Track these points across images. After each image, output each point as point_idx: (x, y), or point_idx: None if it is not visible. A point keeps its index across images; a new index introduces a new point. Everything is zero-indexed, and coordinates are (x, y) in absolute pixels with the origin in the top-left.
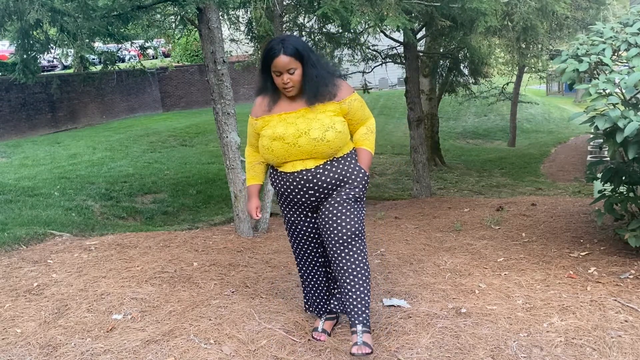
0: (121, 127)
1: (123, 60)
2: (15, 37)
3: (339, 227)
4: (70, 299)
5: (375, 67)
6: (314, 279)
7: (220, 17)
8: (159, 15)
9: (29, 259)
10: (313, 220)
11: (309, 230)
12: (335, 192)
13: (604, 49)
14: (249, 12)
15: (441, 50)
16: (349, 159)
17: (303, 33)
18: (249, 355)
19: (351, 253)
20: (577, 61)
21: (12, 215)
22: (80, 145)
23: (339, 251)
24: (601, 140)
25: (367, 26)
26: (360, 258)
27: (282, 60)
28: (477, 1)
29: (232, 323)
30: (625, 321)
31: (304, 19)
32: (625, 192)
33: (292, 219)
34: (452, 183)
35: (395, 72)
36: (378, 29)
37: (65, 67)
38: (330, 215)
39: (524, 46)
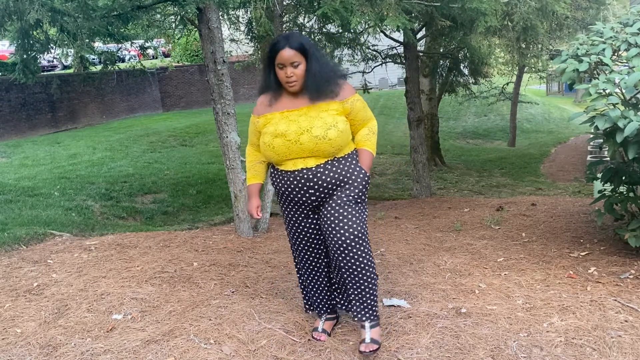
0: (121, 127)
1: (123, 60)
2: (15, 37)
3: (342, 231)
4: (70, 299)
5: (375, 67)
6: (315, 278)
7: (220, 17)
8: (159, 15)
9: (29, 259)
10: (314, 220)
11: (310, 229)
12: (336, 193)
13: (604, 49)
14: (249, 12)
15: (441, 50)
16: (349, 159)
17: (303, 33)
18: (249, 355)
19: (355, 257)
20: (577, 61)
21: (12, 215)
22: (80, 145)
23: (343, 254)
24: (601, 140)
25: (367, 26)
26: (364, 260)
27: (287, 52)
28: (477, 1)
29: (232, 323)
30: (625, 321)
31: (304, 19)
32: (625, 192)
33: (293, 218)
34: (452, 183)
35: (395, 72)
36: (378, 29)
37: (65, 67)
38: (332, 219)
39: (524, 46)
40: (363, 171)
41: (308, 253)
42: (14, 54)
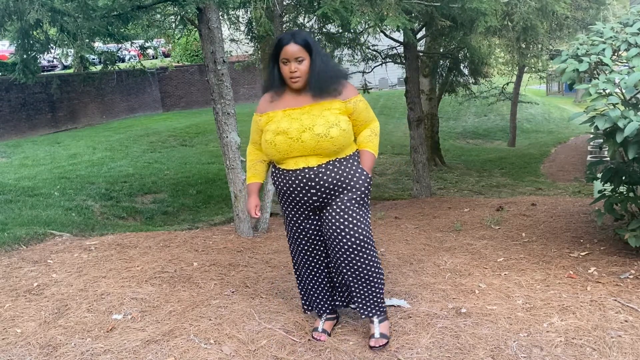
0: (121, 127)
1: (123, 60)
2: (15, 37)
3: (347, 236)
4: (70, 299)
5: (375, 67)
6: (314, 278)
7: (220, 17)
8: (159, 15)
9: (29, 259)
10: (314, 220)
11: (310, 229)
12: (338, 195)
13: (604, 49)
14: (249, 12)
15: (441, 50)
16: (351, 160)
17: None
18: (249, 355)
19: (362, 260)
20: (577, 61)
21: (12, 215)
22: (80, 145)
23: (349, 259)
24: (601, 140)
25: (367, 26)
26: (370, 262)
27: (292, 48)
28: (477, 1)
29: (232, 323)
30: (625, 321)
31: (304, 19)
32: (625, 192)
33: (294, 218)
34: (452, 183)
35: (395, 72)
36: (378, 29)
37: (65, 67)
38: (336, 223)
39: (524, 46)
40: (365, 173)
41: (308, 253)
42: (14, 54)
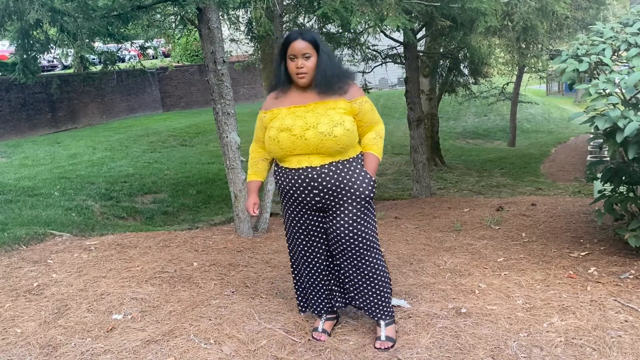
0: (121, 127)
1: (123, 60)
2: (15, 37)
3: (354, 243)
4: (70, 299)
5: (375, 67)
6: (313, 278)
7: (220, 17)
8: (159, 15)
9: (29, 259)
10: (315, 220)
11: (311, 229)
12: (341, 199)
13: (604, 49)
14: (249, 12)
15: (441, 50)
16: (354, 163)
17: None
18: (249, 355)
19: (367, 263)
20: (577, 61)
21: (12, 215)
22: (80, 145)
23: (355, 264)
24: (601, 140)
25: (367, 26)
26: (376, 265)
27: (300, 44)
28: (477, 1)
29: (232, 323)
30: (625, 321)
31: (304, 19)
32: (625, 192)
33: (296, 218)
34: (452, 183)
35: (395, 72)
36: (378, 29)
37: (65, 67)
38: (342, 229)
39: (524, 46)
40: (369, 176)
41: (308, 253)
42: (14, 54)
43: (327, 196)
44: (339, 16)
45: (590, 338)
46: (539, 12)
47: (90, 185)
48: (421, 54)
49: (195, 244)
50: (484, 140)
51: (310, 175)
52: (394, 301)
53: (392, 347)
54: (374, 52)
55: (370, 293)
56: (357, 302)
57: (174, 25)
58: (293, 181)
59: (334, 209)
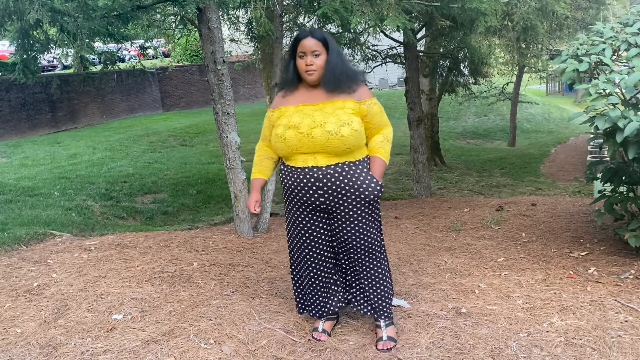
0: (121, 127)
1: (123, 60)
2: (15, 37)
3: (359, 247)
4: (70, 299)
5: (375, 67)
6: (312, 279)
7: (220, 17)
8: (159, 15)
9: (29, 259)
10: (317, 221)
11: (313, 230)
12: (346, 201)
13: (604, 49)
14: (249, 12)
15: (441, 50)
16: (360, 166)
17: None
18: (249, 355)
19: (371, 266)
20: (577, 61)
21: (12, 215)
22: (80, 145)
23: (359, 266)
24: (601, 140)
25: (367, 26)
26: (380, 268)
27: (309, 41)
28: (477, 1)
29: (232, 323)
30: (625, 321)
31: (304, 19)
32: (625, 192)
33: (299, 218)
34: (452, 183)
35: (395, 72)
36: (378, 29)
37: (65, 67)
38: (348, 234)
39: (524, 46)
40: (375, 180)
41: (308, 255)
42: (14, 54)
43: (331, 197)
44: (339, 16)
45: (590, 338)
46: (539, 12)
47: (90, 185)
48: (421, 54)
49: (195, 244)
50: (484, 140)
51: (315, 175)
52: (394, 301)
53: (394, 347)
54: (374, 52)
55: (373, 294)
56: (358, 303)
57: (174, 25)
58: (298, 180)
59: (338, 211)
